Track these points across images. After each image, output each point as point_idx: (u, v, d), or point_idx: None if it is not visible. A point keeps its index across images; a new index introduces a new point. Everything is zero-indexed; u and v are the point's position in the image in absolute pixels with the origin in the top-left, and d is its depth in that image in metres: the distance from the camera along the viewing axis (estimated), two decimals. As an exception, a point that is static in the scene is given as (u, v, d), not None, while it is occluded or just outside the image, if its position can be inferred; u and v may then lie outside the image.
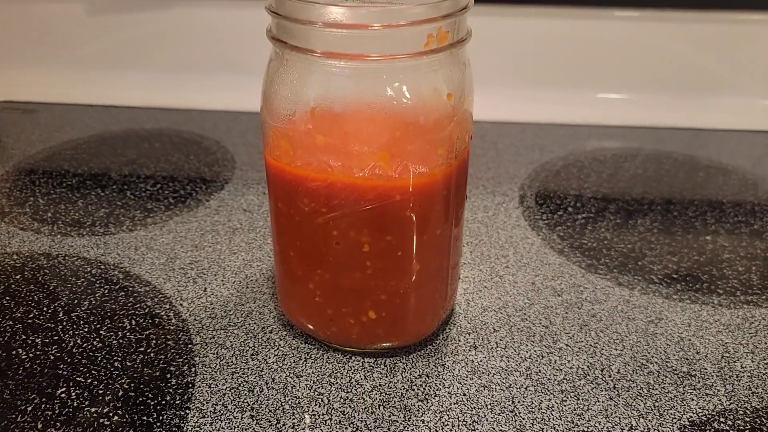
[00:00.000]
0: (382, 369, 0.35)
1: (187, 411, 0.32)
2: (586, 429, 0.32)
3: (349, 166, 0.30)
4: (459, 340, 0.37)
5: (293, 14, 0.29)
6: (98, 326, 0.38)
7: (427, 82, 0.30)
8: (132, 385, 0.34)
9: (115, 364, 0.35)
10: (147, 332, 0.38)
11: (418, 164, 0.31)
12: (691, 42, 0.65)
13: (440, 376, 0.35)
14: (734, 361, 0.36)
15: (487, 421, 0.32)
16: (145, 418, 0.32)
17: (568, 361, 0.36)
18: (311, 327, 0.36)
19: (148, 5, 0.67)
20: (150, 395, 0.33)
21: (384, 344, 0.36)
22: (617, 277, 0.43)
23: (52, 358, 0.36)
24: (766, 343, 0.37)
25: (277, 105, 0.31)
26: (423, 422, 0.32)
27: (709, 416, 0.32)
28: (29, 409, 0.33)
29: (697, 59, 0.65)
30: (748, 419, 0.32)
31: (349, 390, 0.34)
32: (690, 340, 0.37)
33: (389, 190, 0.31)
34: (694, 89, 0.66)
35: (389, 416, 0.32)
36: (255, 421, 0.32)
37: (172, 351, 0.36)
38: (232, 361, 0.36)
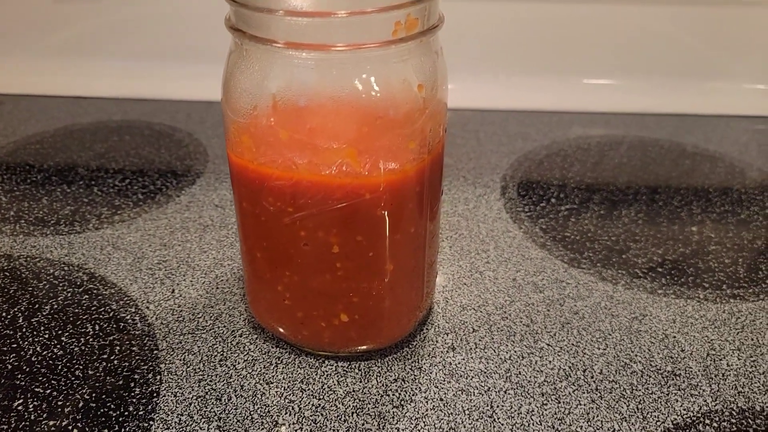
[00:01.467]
0: (356, 373, 0.34)
1: (151, 422, 0.31)
2: (567, 434, 0.30)
3: (315, 163, 0.28)
4: (437, 341, 0.36)
5: (252, 1, 0.27)
6: (59, 332, 0.36)
7: (395, 73, 0.28)
8: (93, 395, 0.32)
9: (77, 372, 0.34)
10: (111, 338, 0.36)
11: (388, 160, 0.29)
12: (676, 25, 0.63)
13: (416, 380, 0.33)
14: (720, 359, 0.35)
15: (464, 427, 0.31)
16: (106, 430, 0.30)
17: (549, 361, 0.34)
18: (282, 330, 0.34)
19: (116, -9, 0.65)
20: (112, 406, 0.32)
21: (358, 347, 0.34)
22: (600, 272, 0.41)
23: (9, 367, 0.34)
24: (752, 340, 0.36)
25: (238, 98, 0.29)
26: (398, 430, 0.31)
27: (694, 418, 0.31)
28: (-17, 423, 0.31)
29: (683, 43, 0.63)
30: (734, 420, 0.31)
31: (322, 397, 0.32)
32: (675, 337, 0.36)
33: (358, 188, 0.29)
34: (679, 74, 0.64)
35: (363, 424, 0.31)
36: (222, 432, 0.30)
37: (137, 358, 0.35)
38: (199, 368, 0.34)
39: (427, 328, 0.37)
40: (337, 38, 0.26)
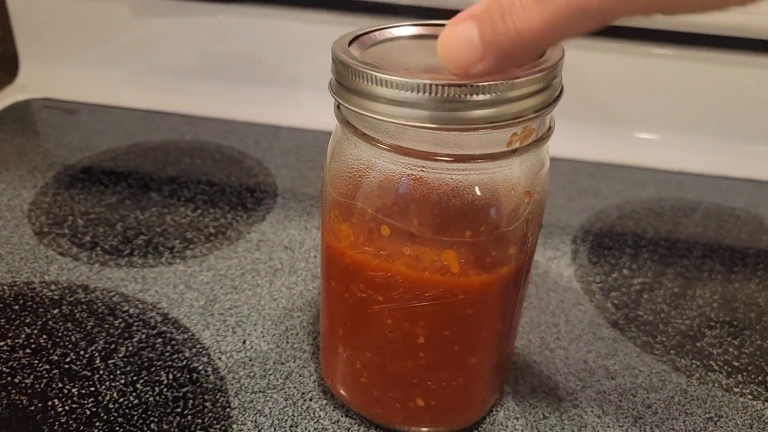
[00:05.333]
0: (426, 456, 0.34)
1: (224, 490, 0.31)
2: None
3: (414, 260, 0.28)
4: (506, 427, 0.35)
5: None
6: (135, 378, 0.37)
7: (504, 180, 0.27)
8: (168, 453, 0.33)
9: (152, 426, 0.34)
10: (184, 389, 0.36)
11: (486, 263, 0.28)
12: (758, 84, 0.61)
13: (487, 471, 0.33)
14: (800, 478, 0.34)
15: None
16: (180, 494, 0.31)
17: (622, 463, 0.34)
18: (354, 403, 0.35)
19: (195, 11, 0.65)
20: (186, 467, 0.32)
21: (428, 429, 0.34)
22: (674, 360, 0.40)
23: (88, 413, 0.35)
24: (834, 457, 0.35)
25: (341, 181, 0.29)
26: None
27: None
28: (63, 473, 0.32)
29: (763, 104, 0.61)
30: None
31: (392, 479, 0.32)
32: (752, 445, 0.35)
33: (453, 287, 0.29)
34: (759, 137, 0.62)
35: None
36: None
37: (210, 415, 0.35)
38: (270, 432, 0.34)
39: (497, 410, 0.36)
40: (448, 148, 0.26)
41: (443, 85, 0.23)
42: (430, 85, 0.23)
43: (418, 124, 0.24)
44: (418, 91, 0.24)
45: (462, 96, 0.24)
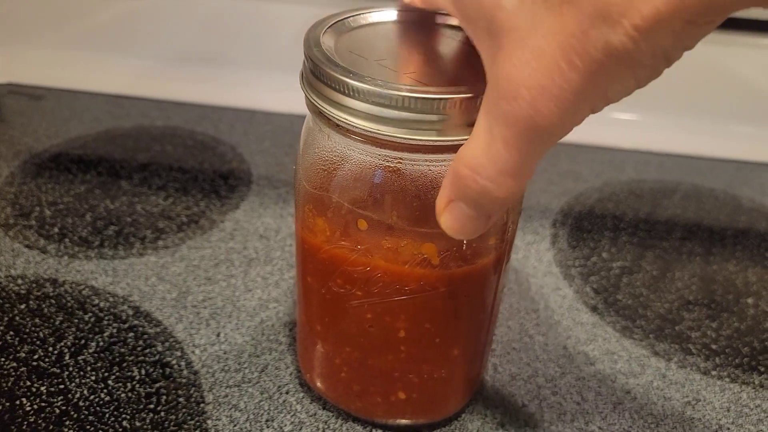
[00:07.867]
0: (406, 449, 0.33)
1: (200, 488, 0.31)
2: None
3: (393, 254, 0.27)
4: (486, 416, 0.35)
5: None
6: (106, 374, 0.36)
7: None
8: (141, 452, 0.32)
9: (123, 423, 0.33)
10: (157, 385, 0.36)
11: (466, 254, 0.28)
12: (744, 65, 0.61)
13: (467, 462, 0.33)
14: (777, 461, 0.34)
15: None
16: (155, 494, 0.30)
17: (602, 450, 0.34)
18: (334, 398, 0.34)
19: (164, -12, 0.63)
20: (160, 466, 0.32)
21: (409, 421, 0.34)
22: (653, 345, 0.40)
23: (57, 412, 0.34)
24: (810, 439, 0.35)
25: (316, 173, 0.28)
26: None
27: None
28: (33, 476, 0.31)
29: (751, 84, 0.61)
30: None
31: (371, 473, 0.32)
32: (729, 429, 0.35)
33: (434, 280, 0.28)
34: (739, 117, 0.62)
35: None
36: (271, 506, 0.30)
37: (184, 411, 0.34)
38: (245, 427, 0.34)
39: (476, 399, 0.36)
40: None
41: (417, 98, 0.23)
42: (403, 97, 0.23)
43: (389, 134, 0.24)
44: (392, 102, 0.23)
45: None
